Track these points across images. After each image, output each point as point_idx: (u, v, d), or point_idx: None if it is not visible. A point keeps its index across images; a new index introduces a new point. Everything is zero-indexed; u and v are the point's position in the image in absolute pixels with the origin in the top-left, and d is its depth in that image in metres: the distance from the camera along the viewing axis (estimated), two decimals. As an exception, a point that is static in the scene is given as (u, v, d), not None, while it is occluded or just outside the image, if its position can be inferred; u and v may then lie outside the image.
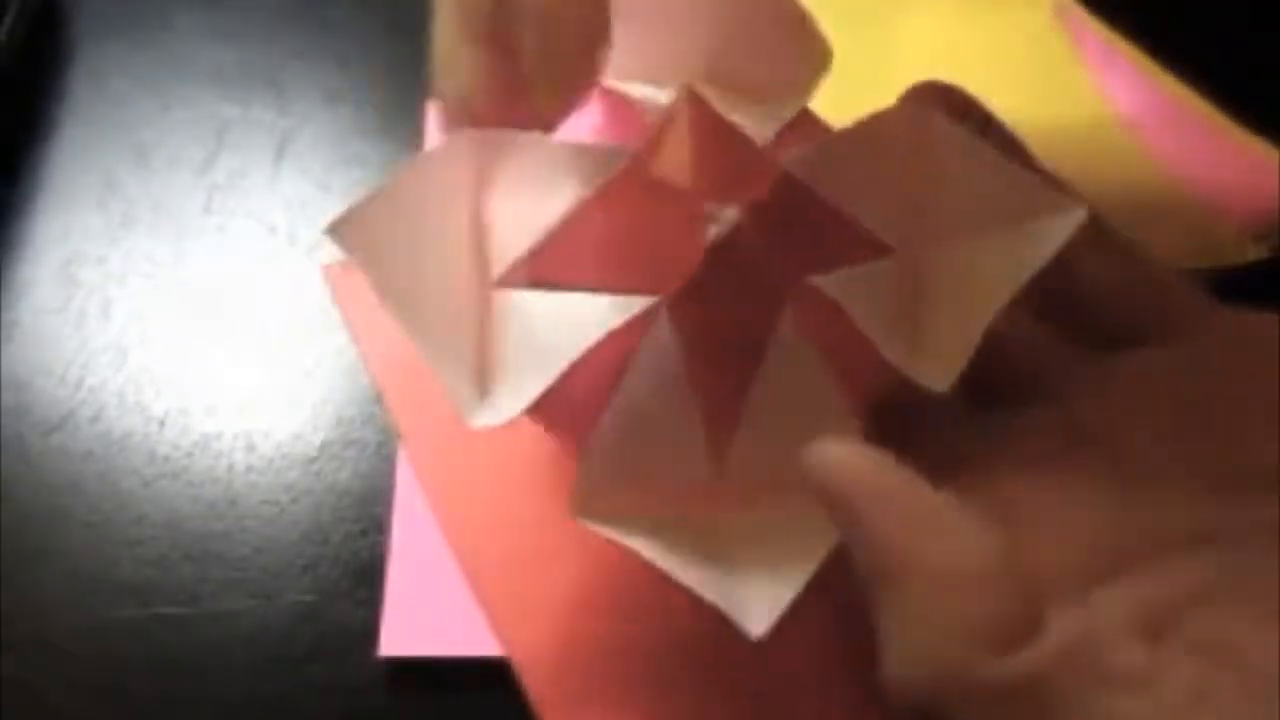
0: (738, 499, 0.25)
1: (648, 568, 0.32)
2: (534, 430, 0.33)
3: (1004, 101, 0.28)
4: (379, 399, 0.34)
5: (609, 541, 0.24)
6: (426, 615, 0.30)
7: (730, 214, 0.24)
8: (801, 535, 0.24)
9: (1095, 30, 0.42)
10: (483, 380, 0.25)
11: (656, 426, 0.24)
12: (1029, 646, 0.20)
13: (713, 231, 0.25)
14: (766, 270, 0.24)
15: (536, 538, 0.31)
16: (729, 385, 0.24)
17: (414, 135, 0.39)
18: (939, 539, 0.21)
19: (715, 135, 0.24)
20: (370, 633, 0.30)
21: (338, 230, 0.24)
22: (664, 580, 0.31)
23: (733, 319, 0.24)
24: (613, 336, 0.24)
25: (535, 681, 0.29)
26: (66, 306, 0.36)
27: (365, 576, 0.32)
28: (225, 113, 0.40)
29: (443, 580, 0.31)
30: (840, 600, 0.30)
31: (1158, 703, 0.19)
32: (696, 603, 0.31)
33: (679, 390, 0.24)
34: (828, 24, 0.28)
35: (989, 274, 0.24)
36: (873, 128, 0.25)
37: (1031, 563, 0.22)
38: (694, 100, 0.24)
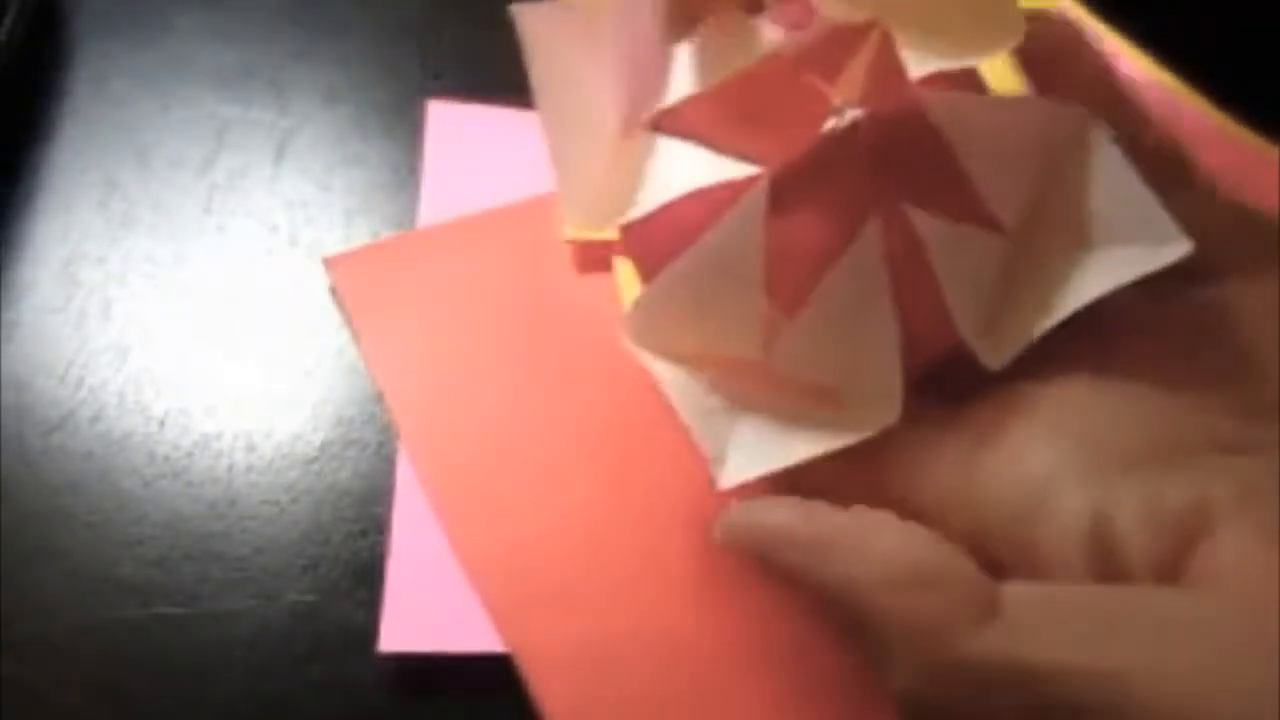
0: (769, 383, 0.25)
1: (649, 566, 0.32)
2: (534, 431, 0.33)
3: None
4: (379, 399, 0.34)
5: (642, 367, 0.25)
6: (427, 611, 0.31)
7: (854, 112, 0.24)
8: (806, 432, 0.24)
9: (1096, 30, 0.42)
10: (595, 198, 0.26)
11: (723, 287, 0.24)
12: (995, 621, 0.20)
13: (832, 122, 0.24)
14: (867, 179, 0.24)
15: (538, 536, 0.32)
16: (801, 277, 0.24)
17: (414, 135, 0.39)
18: (874, 547, 0.22)
19: (887, 78, 0.24)
20: (370, 633, 0.30)
21: (521, 11, 0.25)
22: (667, 580, 0.31)
23: (822, 214, 0.24)
24: (716, 194, 0.24)
25: (539, 680, 0.29)
26: (66, 306, 0.36)
27: (365, 576, 0.32)
28: (225, 113, 0.40)
29: (443, 580, 0.31)
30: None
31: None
32: (700, 602, 0.31)
33: (753, 260, 0.24)
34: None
35: (1077, 281, 0.24)
36: (1020, 107, 0.25)
37: (1049, 459, 0.22)
38: (884, 44, 0.24)
